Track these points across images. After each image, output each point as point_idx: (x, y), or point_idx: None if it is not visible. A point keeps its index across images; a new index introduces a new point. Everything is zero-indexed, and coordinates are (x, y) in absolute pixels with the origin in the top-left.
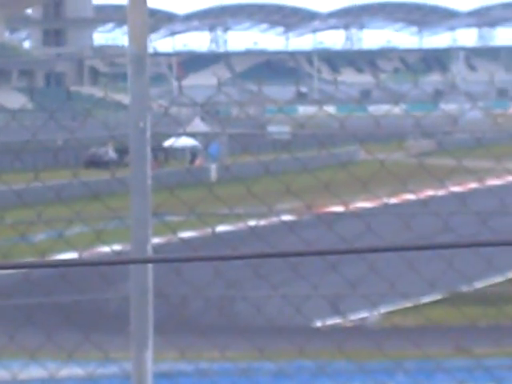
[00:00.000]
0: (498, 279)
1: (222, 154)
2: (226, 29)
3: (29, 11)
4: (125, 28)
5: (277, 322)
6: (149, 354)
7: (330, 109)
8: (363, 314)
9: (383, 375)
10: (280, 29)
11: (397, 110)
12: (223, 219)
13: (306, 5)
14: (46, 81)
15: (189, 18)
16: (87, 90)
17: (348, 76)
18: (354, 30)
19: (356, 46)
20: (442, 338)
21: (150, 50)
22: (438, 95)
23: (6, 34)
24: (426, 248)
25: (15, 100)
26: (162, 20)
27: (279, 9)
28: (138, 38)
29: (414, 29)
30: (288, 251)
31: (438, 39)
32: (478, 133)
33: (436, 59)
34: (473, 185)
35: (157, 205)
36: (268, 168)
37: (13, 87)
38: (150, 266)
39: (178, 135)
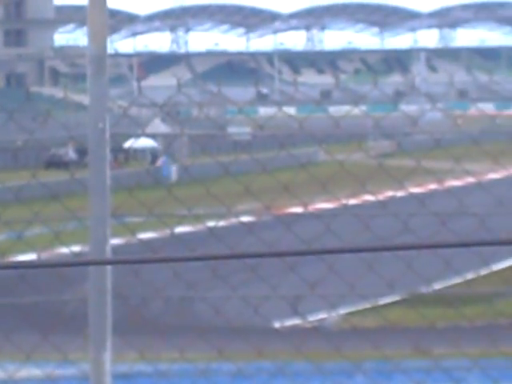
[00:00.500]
0: (457, 280)
1: (181, 154)
2: (187, 29)
3: None
4: (85, 29)
5: (236, 322)
6: (107, 355)
7: (291, 110)
8: (322, 315)
9: (342, 376)
10: (241, 30)
11: (357, 110)
12: (182, 220)
13: (267, 5)
14: (7, 81)
15: (150, 18)
16: (48, 90)
17: (309, 77)
18: (315, 31)
19: (317, 47)
20: (400, 339)
21: (111, 50)
22: (398, 96)
23: None
24: (384, 249)
25: None
26: (123, 21)
27: (240, 10)
28: (98, 39)
29: (375, 30)
30: (246, 252)
31: (399, 40)
32: (437, 134)
33: (397, 60)
34: (432, 186)
35: (116, 206)
36: (227, 169)
37: None
38: (109, 267)
39: (138, 136)
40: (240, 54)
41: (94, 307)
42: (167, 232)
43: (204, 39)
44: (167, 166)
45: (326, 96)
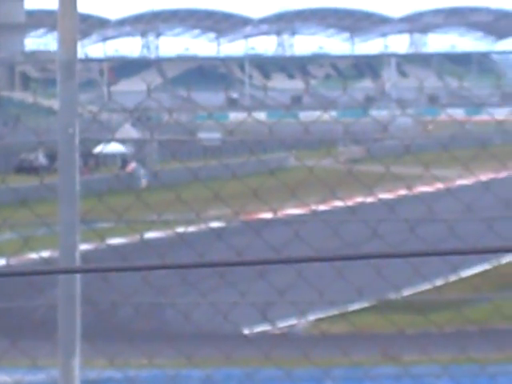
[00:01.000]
0: (426, 287)
1: (151, 160)
2: (158, 34)
3: None
4: (56, 33)
5: (205, 329)
6: (76, 361)
7: (261, 115)
8: (291, 322)
9: (311, 383)
10: (212, 34)
11: (327, 116)
12: (152, 226)
13: (238, 10)
14: None
15: (121, 23)
16: (18, 95)
17: (279, 82)
18: (285, 36)
19: (288, 52)
20: (369, 345)
21: (81, 55)
22: (368, 102)
23: None
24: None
25: None
26: (94, 25)
27: (211, 14)
28: (68, 44)
29: (346, 35)
30: (215, 261)
31: (370, 45)
32: (407, 139)
33: (367, 65)
34: (402, 192)
35: (85, 211)
36: (197, 174)
37: None
38: (78, 274)
39: (108, 141)
40: (211, 59)
41: (63, 313)
42: (137, 238)
43: (175, 44)
44: (139, 172)
45: (296, 101)
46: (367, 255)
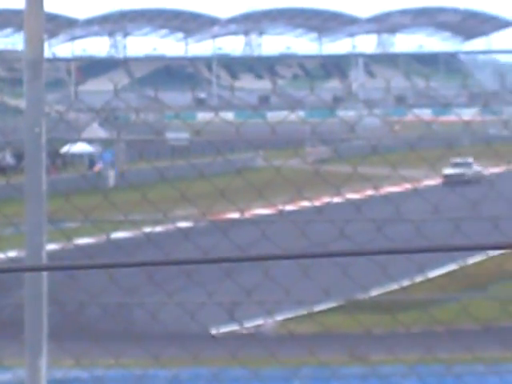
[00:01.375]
0: (393, 287)
1: (119, 160)
2: (126, 34)
3: None
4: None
5: (172, 329)
6: (43, 361)
7: (229, 115)
8: (259, 322)
9: (279, 382)
10: (180, 34)
11: (295, 116)
12: (119, 225)
13: (206, 10)
14: None
15: (88, 23)
16: None
17: (247, 82)
18: (253, 36)
19: (255, 52)
20: (337, 345)
21: (49, 54)
22: (336, 102)
23: None
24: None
25: None
26: (62, 25)
27: (179, 14)
28: (35, 44)
29: (314, 35)
30: (183, 259)
31: (338, 45)
32: (374, 140)
33: (335, 66)
34: (369, 192)
35: (53, 211)
36: (164, 174)
37: None
38: (45, 272)
39: (75, 141)
40: (178, 58)
41: (30, 313)
42: (104, 237)
43: (142, 44)
44: (106, 172)
45: (263, 101)
46: (343, 253)
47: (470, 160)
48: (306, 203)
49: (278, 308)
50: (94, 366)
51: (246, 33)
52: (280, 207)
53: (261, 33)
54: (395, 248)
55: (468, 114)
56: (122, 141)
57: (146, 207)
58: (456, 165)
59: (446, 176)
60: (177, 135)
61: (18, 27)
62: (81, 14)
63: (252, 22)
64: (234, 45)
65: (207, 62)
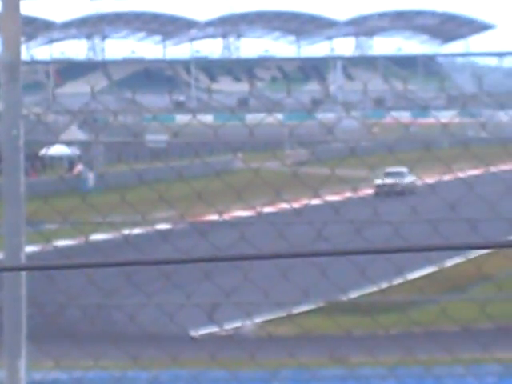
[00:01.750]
0: (372, 289)
1: (98, 162)
2: (104, 37)
3: None
4: None
5: (151, 330)
6: (22, 363)
7: (208, 117)
8: (238, 323)
9: None
10: (158, 37)
11: (273, 119)
12: (98, 227)
13: (184, 13)
14: None
15: (66, 25)
16: None
17: (225, 85)
18: (231, 39)
19: (234, 55)
20: (316, 347)
21: (27, 57)
22: (315, 104)
23: None
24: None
25: None
26: (40, 28)
27: (157, 17)
28: (12, 46)
29: (292, 38)
30: (162, 259)
31: (316, 48)
32: (352, 142)
33: (313, 68)
34: (347, 194)
35: (31, 213)
36: (142, 176)
37: None
38: (24, 274)
39: (53, 143)
40: (157, 61)
41: (9, 314)
42: (82, 239)
43: (120, 47)
44: (85, 174)
45: (242, 104)
46: (322, 253)
47: (404, 169)
48: (284, 205)
49: (257, 310)
50: (73, 368)
51: (225, 36)
52: (259, 209)
53: (239, 36)
54: (375, 248)
55: (446, 116)
56: (100, 143)
57: (124, 209)
58: (389, 174)
59: (378, 186)
60: (155, 137)
61: None
62: (59, 17)
63: (230, 25)
64: (212, 48)
65: (185, 64)
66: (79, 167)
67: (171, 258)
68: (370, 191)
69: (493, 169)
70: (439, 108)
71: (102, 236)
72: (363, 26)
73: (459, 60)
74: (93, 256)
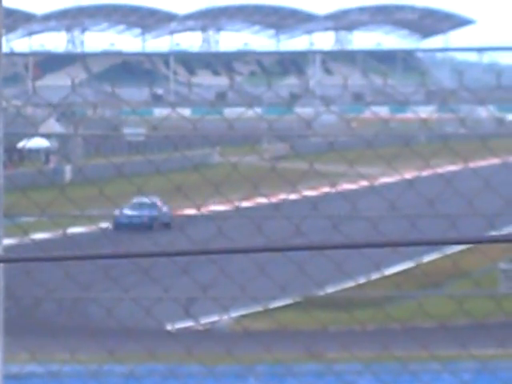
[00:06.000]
0: (349, 284)
1: (76, 155)
2: (83, 29)
3: None
4: None
5: (128, 324)
6: None
7: (186, 111)
8: (214, 318)
9: (234, 379)
10: (137, 30)
11: (252, 113)
12: (75, 221)
13: (163, 6)
14: None
15: (46, 18)
16: None
17: (204, 78)
18: (211, 32)
19: (213, 49)
20: (293, 342)
21: (6, 49)
22: (293, 98)
23: None
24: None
25: None
26: (20, 20)
27: (136, 10)
28: None
29: (271, 32)
30: (138, 252)
31: (295, 42)
32: (331, 137)
33: (292, 62)
34: (325, 189)
35: (9, 206)
36: (121, 170)
37: None
38: (1, 266)
39: (32, 136)
40: (135, 54)
41: None
42: (60, 232)
43: (100, 39)
44: (59, 167)
45: (221, 98)
46: (299, 247)
47: (155, 200)
48: (262, 200)
49: (233, 304)
50: (50, 361)
51: (204, 29)
52: (236, 203)
53: (218, 29)
54: (351, 243)
55: (425, 111)
56: (78, 136)
57: (102, 202)
58: (139, 205)
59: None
60: (134, 131)
61: None
62: (38, 9)
63: (209, 19)
64: (191, 41)
65: (164, 58)
66: (54, 160)
67: (148, 252)
68: (349, 186)
69: (471, 165)
70: (418, 103)
71: (80, 229)
72: (343, 21)
73: (439, 55)
74: (70, 249)
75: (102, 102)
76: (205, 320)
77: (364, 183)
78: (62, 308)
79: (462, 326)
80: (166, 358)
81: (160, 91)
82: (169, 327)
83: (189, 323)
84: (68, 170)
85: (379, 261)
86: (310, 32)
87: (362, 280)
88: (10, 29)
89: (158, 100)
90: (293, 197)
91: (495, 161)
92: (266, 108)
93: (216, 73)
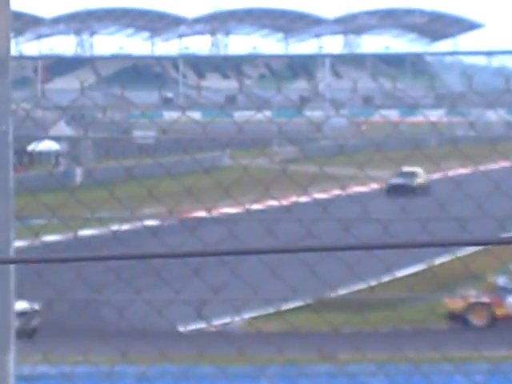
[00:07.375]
0: (361, 286)
1: (86, 157)
2: (92, 33)
3: None
4: None
5: (140, 326)
6: (11, 357)
7: (196, 114)
8: (226, 320)
9: (246, 380)
10: (146, 33)
11: (261, 116)
12: (86, 223)
13: (172, 10)
14: None
15: (55, 21)
16: None
17: (214, 81)
18: (220, 36)
19: (222, 52)
20: (305, 343)
21: (16, 52)
22: (303, 102)
23: None
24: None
25: None
26: (28, 23)
27: (145, 14)
28: (1, 41)
29: (280, 35)
30: (148, 253)
31: (304, 46)
32: (341, 140)
33: (302, 66)
34: (336, 191)
35: (20, 208)
36: (131, 172)
37: None
38: (13, 268)
39: (41, 139)
40: (145, 57)
41: None
42: (71, 235)
43: (109, 43)
44: (69, 169)
45: (230, 101)
46: (311, 248)
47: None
48: (273, 202)
49: (245, 306)
50: (62, 363)
51: (213, 33)
52: (247, 206)
53: (227, 33)
54: (363, 244)
55: (435, 115)
56: (89, 139)
57: (113, 205)
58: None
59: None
60: (144, 134)
61: None
62: (47, 13)
63: (219, 22)
64: (200, 44)
65: (174, 61)
66: (63, 162)
67: (159, 252)
68: (359, 188)
69: (482, 167)
70: (427, 107)
71: (91, 231)
72: (352, 24)
73: (447, 59)
74: (81, 251)
75: (111, 105)
76: (217, 322)
77: (374, 186)
78: (75, 310)
79: (475, 327)
80: (178, 359)
81: (170, 94)
82: (181, 329)
83: (201, 325)
84: (78, 173)
85: (391, 263)
86: (318, 36)
87: (373, 282)
88: (19, 32)
89: (167, 103)
90: (303, 199)
91: (505, 164)
92: (276, 111)
93: (225, 76)
